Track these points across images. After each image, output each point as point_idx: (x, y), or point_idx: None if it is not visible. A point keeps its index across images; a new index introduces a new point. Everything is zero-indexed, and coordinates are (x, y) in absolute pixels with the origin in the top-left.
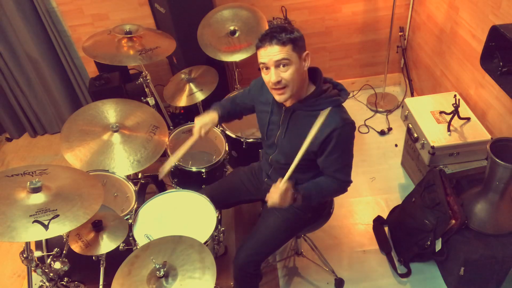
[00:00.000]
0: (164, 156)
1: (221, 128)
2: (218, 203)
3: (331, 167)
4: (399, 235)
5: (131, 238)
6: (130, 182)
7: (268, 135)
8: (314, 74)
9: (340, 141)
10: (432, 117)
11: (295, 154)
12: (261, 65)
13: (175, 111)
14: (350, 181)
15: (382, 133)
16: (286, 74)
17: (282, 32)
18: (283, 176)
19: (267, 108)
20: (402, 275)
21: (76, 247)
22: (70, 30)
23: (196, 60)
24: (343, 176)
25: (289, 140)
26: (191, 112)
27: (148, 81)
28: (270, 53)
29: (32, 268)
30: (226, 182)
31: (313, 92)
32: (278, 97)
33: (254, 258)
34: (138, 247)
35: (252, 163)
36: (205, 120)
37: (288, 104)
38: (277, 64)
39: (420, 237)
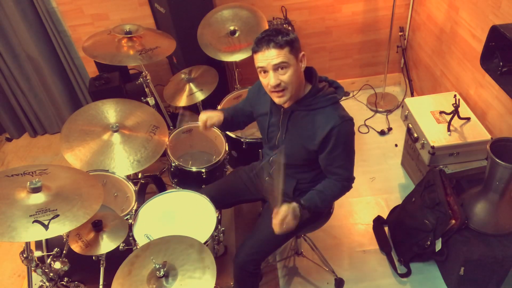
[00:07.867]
0: (164, 156)
1: None
2: (218, 203)
3: (333, 164)
4: (399, 235)
5: (131, 238)
6: (130, 182)
7: (269, 137)
8: (309, 73)
9: (340, 138)
10: (432, 117)
11: (296, 154)
12: (259, 69)
13: (175, 111)
14: (353, 177)
15: (382, 133)
16: (285, 76)
17: (278, 34)
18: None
19: (265, 111)
20: (402, 275)
21: (76, 247)
22: (70, 30)
23: (196, 60)
24: (345, 172)
25: (290, 141)
26: (191, 112)
27: (148, 81)
28: (268, 57)
29: (32, 268)
30: (226, 181)
31: (309, 92)
32: (278, 100)
33: (254, 257)
34: (138, 247)
35: (253, 162)
36: (211, 114)
37: (286, 105)
38: (276, 68)
39: (420, 237)
